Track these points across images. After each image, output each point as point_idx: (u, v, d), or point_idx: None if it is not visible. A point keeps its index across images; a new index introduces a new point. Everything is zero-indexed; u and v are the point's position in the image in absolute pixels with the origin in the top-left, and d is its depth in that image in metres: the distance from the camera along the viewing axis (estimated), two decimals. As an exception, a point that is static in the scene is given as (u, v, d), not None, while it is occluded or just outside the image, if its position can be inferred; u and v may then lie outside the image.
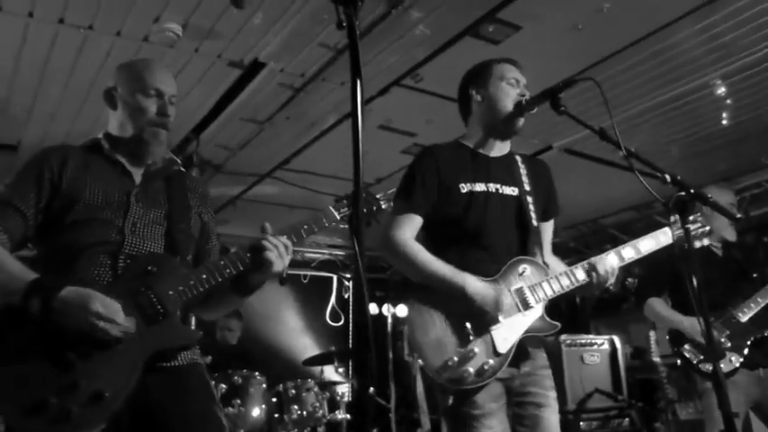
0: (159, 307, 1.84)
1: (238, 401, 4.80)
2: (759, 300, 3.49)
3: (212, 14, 3.59)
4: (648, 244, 2.43)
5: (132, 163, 2.08)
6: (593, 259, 2.35)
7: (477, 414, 2.16)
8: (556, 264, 2.49)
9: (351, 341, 8.63)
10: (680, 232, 2.16)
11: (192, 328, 1.96)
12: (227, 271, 1.93)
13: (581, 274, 2.31)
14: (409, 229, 2.38)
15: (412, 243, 2.34)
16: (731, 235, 3.70)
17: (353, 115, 1.30)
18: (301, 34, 3.80)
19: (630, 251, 2.40)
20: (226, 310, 2.24)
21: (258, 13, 3.60)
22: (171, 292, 1.86)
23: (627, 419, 5.13)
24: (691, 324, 3.48)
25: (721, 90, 4.64)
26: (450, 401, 2.22)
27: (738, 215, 2.28)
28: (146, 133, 2.05)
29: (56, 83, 4.23)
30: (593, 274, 2.31)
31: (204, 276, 1.90)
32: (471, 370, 2.15)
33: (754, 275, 3.65)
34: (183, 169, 2.21)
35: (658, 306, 3.69)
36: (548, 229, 2.58)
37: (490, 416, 2.16)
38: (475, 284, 2.22)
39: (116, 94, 2.10)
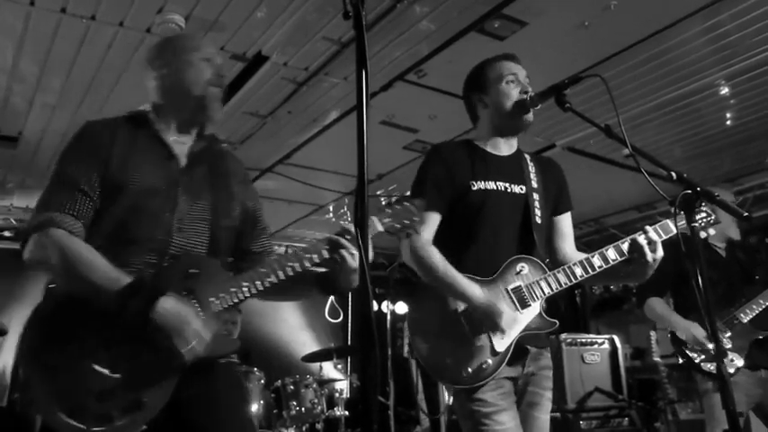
0: (201, 314, 1.77)
1: (237, 396, 4.78)
2: (761, 301, 3.49)
3: (216, 6, 3.56)
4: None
5: (181, 139, 2.02)
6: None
7: (488, 411, 2.16)
8: (580, 257, 2.45)
9: (350, 338, 8.62)
10: (685, 230, 2.14)
11: (230, 337, 1.92)
12: (269, 280, 1.85)
13: (578, 270, 2.30)
14: (429, 229, 2.38)
15: (429, 246, 2.34)
16: (736, 234, 3.69)
17: (359, 106, 1.28)
18: (305, 27, 3.78)
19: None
20: (302, 299, 2.19)
21: (262, 6, 3.58)
22: (212, 299, 1.80)
23: (627, 419, 5.11)
24: (686, 328, 3.49)
25: (725, 90, 4.61)
26: (461, 401, 2.23)
27: (745, 213, 2.25)
28: (208, 92, 2.00)
29: (57, 74, 4.21)
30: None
31: (245, 286, 1.83)
32: (470, 370, 2.18)
33: (757, 277, 3.65)
34: (225, 147, 2.14)
35: (658, 306, 3.70)
36: (565, 222, 2.58)
37: (501, 412, 2.17)
38: (479, 298, 2.22)
39: (163, 60, 2.05)
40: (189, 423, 1.79)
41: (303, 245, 1.93)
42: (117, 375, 1.67)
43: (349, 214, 7.02)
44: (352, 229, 1.89)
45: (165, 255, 1.84)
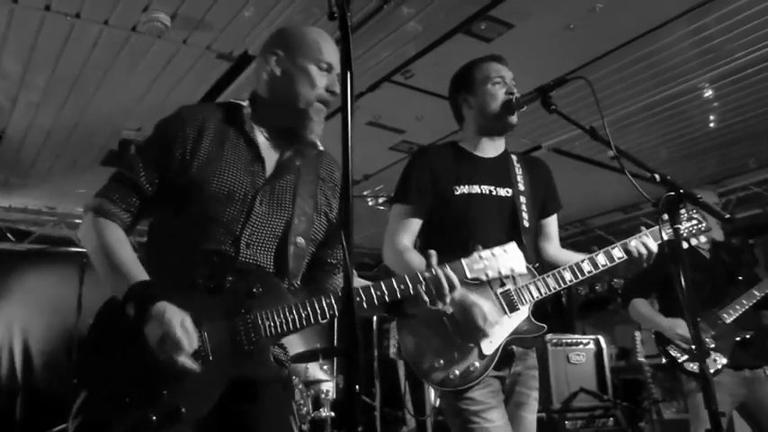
0: (253, 336, 1.69)
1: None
2: (744, 302, 3.53)
3: (202, 5, 3.55)
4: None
5: (272, 143, 1.89)
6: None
7: (477, 410, 2.17)
8: (568, 256, 2.47)
9: (336, 339, 8.60)
10: (670, 232, 2.15)
11: (278, 365, 1.81)
12: (331, 312, 1.73)
13: (568, 275, 2.31)
14: (408, 234, 2.39)
15: (410, 251, 2.35)
16: (719, 235, 3.73)
17: (344, 108, 1.28)
18: (292, 27, 3.77)
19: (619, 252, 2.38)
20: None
21: (249, 6, 3.57)
22: (268, 323, 1.71)
23: (611, 419, 5.14)
24: (669, 326, 3.53)
25: (709, 93, 4.67)
26: (448, 400, 2.23)
27: (727, 215, 2.26)
28: (312, 109, 1.87)
29: (42, 71, 4.17)
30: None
31: (305, 314, 1.73)
32: (457, 372, 2.18)
33: (740, 278, 3.69)
34: (321, 149, 1.98)
35: (642, 307, 3.74)
36: (551, 224, 2.58)
37: (491, 410, 2.18)
38: (461, 298, 2.20)
39: (279, 56, 1.89)
40: None
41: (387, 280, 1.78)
42: (161, 380, 1.63)
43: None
44: (433, 254, 1.82)
45: (230, 269, 1.75)
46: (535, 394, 2.39)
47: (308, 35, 1.91)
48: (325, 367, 6.02)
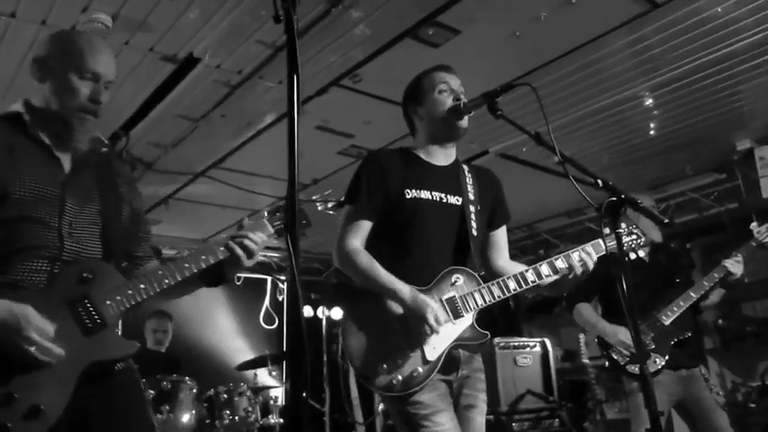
0: (97, 318, 1.75)
1: (167, 407, 4.65)
2: (681, 303, 3.64)
3: (144, 6, 3.47)
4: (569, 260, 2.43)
5: (57, 144, 1.91)
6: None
7: (426, 413, 2.17)
8: (517, 268, 2.49)
9: (285, 344, 8.52)
10: (612, 240, 2.21)
11: (132, 340, 1.87)
12: (166, 281, 1.85)
13: (512, 284, 2.34)
14: (359, 236, 2.39)
15: (361, 252, 2.36)
16: (658, 237, 3.83)
17: (290, 112, 1.27)
18: (238, 30, 3.72)
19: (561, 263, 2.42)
20: (182, 296, 2.17)
21: (194, 7, 3.50)
22: (108, 302, 1.78)
23: (557, 420, 5.24)
24: (613, 332, 3.63)
25: (649, 101, 4.81)
26: (396, 406, 2.23)
27: (666, 219, 2.33)
28: (74, 117, 1.88)
29: (-26, 72, 4.01)
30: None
31: (142, 287, 1.83)
32: (400, 377, 2.19)
33: (677, 280, 3.81)
34: (107, 148, 2.05)
35: (586, 312, 3.84)
36: (500, 235, 2.62)
37: (439, 413, 2.18)
38: (407, 293, 2.24)
39: (46, 66, 1.90)
40: (93, 430, 1.76)
41: (196, 246, 1.95)
42: (9, 381, 1.62)
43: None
44: (245, 222, 1.99)
45: (57, 261, 1.79)
46: (483, 396, 2.41)
47: (75, 43, 1.92)
48: (273, 373, 5.95)
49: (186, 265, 1.89)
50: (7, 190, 1.76)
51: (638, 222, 2.66)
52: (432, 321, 2.18)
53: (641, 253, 3.83)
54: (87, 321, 1.75)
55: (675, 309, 3.63)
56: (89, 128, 1.93)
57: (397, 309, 2.27)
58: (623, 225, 2.46)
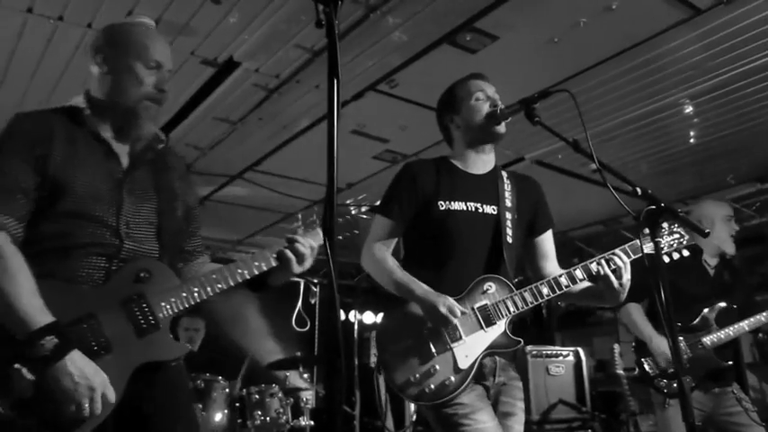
0: (152, 318, 1.76)
1: (200, 406, 4.72)
2: (730, 332, 3.50)
3: (187, 10, 3.53)
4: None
5: (117, 138, 1.92)
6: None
7: (467, 412, 2.18)
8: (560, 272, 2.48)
9: (317, 347, 8.56)
10: (650, 246, 2.17)
11: (182, 343, 1.89)
12: (219, 286, 1.87)
13: (545, 289, 2.32)
14: (387, 243, 2.44)
15: (388, 259, 2.39)
16: (731, 248, 3.69)
17: (329, 115, 1.28)
18: (278, 35, 3.76)
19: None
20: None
21: (234, 12, 3.56)
22: (163, 304, 1.79)
23: (590, 431, 5.17)
24: (658, 343, 3.50)
25: (690, 109, 4.72)
26: (434, 410, 2.23)
27: (707, 230, 2.26)
28: (140, 106, 1.90)
29: (22, 74, 4.12)
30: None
31: (196, 291, 1.84)
32: (432, 386, 2.20)
33: (734, 306, 3.61)
34: (163, 143, 2.05)
35: (635, 313, 3.66)
36: (546, 242, 2.59)
37: (479, 411, 2.19)
38: (428, 294, 2.25)
39: (110, 57, 1.91)
40: (141, 428, 1.78)
41: (250, 253, 1.96)
42: None
43: (318, 223, 6.98)
44: (299, 230, 2.01)
45: (115, 259, 1.80)
46: (521, 404, 2.41)
47: (133, 33, 1.96)
48: (305, 375, 5.98)
49: (239, 271, 1.90)
50: (67, 185, 1.77)
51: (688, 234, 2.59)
52: (443, 310, 2.19)
53: (708, 266, 3.71)
54: (142, 322, 1.75)
55: (723, 336, 3.49)
56: (154, 117, 1.96)
57: (426, 319, 2.28)
58: (665, 224, 2.40)
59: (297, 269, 1.97)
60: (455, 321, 2.21)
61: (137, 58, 1.90)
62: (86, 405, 1.60)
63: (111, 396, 1.65)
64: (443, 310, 2.19)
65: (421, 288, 2.26)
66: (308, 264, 1.99)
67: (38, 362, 1.56)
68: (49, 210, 1.76)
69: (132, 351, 1.72)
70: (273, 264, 1.95)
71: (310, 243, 1.99)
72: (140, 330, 1.75)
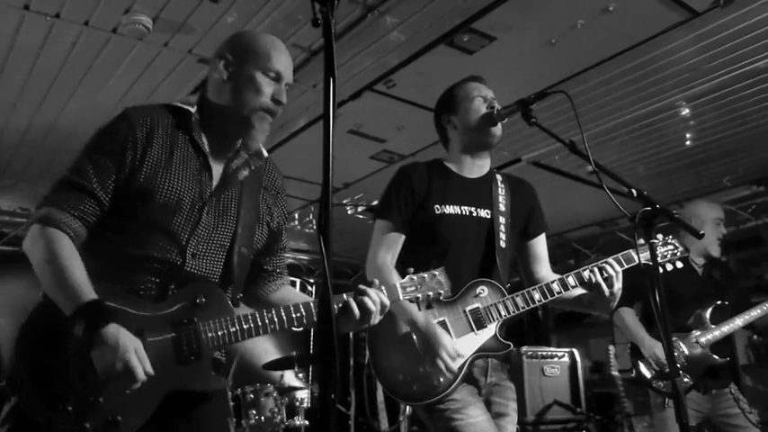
0: (195, 347, 1.69)
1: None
2: (724, 329, 3.52)
3: (185, 9, 3.53)
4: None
5: (217, 152, 1.87)
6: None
7: (459, 407, 2.20)
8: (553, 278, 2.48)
9: (312, 347, 8.55)
10: (647, 253, 2.18)
11: (220, 377, 1.79)
12: (272, 327, 1.77)
13: (537, 295, 2.33)
14: (391, 250, 2.43)
15: (387, 268, 2.39)
16: (716, 251, 3.72)
17: (325, 114, 1.27)
18: (275, 34, 3.69)
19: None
20: None
21: (232, 11, 3.55)
22: (211, 335, 1.71)
23: (584, 432, 5.18)
24: (650, 345, 3.53)
25: (686, 111, 4.73)
26: (426, 410, 2.25)
27: (702, 232, 2.27)
28: (255, 116, 1.85)
29: (19, 70, 4.11)
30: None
31: (247, 328, 1.75)
32: (422, 387, 2.22)
33: (726, 303, 3.64)
34: (263, 161, 1.98)
35: (628, 317, 3.70)
36: (539, 246, 2.61)
37: (471, 406, 2.21)
38: (421, 323, 2.24)
39: (232, 64, 1.86)
40: None
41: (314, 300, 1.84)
42: (98, 390, 1.61)
43: (314, 222, 6.99)
44: (370, 290, 1.83)
45: (175, 277, 1.75)
46: (513, 405, 2.42)
47: (259, 42, 1.91)
48: (300, 375, 5.98)
49: (297, 316, 1.79)
50: (152, 191, 1.73)
51: (679, 237, 2.60)
52: (443, 354, 2.18)
53: (696, 266, 3.73)
54: (185, 349, 1.69)
55: (717, 333, 3.51)
56: (267, 129, 1.91)
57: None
58: (659, 236, 2.42)
59: (358, 325, 1.82)
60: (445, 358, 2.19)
61: (258, 67, 1.85)
62: (122, 366, 1.56)
63: (148, 368, 1.60)
64: (443, 354, 2.18)
65: (422, 319, 2.24)
66: (374, 320, 1.83)
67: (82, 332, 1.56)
68: (130, 212, 1.74)
69: (167, 376, 1.67)
70: (336, 311, 1.78)
71: (382, 299, 1.84)
72: (181, 357, 1.69)
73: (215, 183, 1.86)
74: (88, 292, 1.61)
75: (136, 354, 1.58)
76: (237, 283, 1.90)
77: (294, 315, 1.79)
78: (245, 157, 1.92)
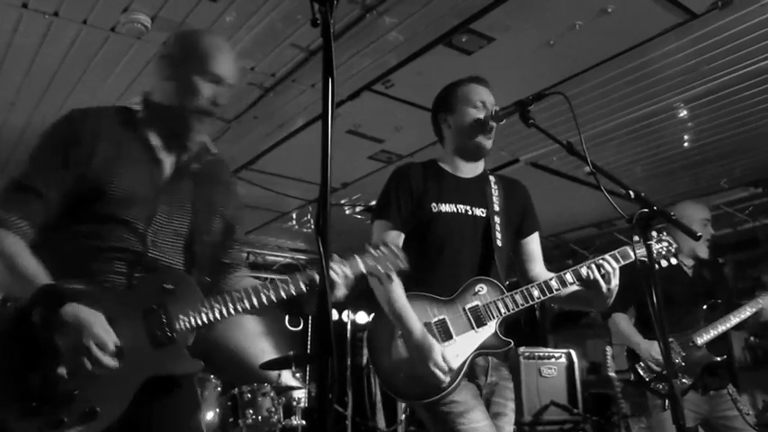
0: (168, 331, 1.73)
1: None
2: (719, 327, 3.53)
3: (183, 8, 3.52)
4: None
5: (165, 146, 1.92)
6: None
7: (462, 410, 2.19)
8: (548, 276, 2.49)
9: (310, 346, 8.56)
10: (643, 250, 2.18)
11: (196, 359, 1.83)
12: (243, 305, 1.82)
13: (536, 292, 2.33)
14: None
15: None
16: (704, 253, 3.74)
17: (324, 114, 1.28)
18: (274, 33, 3.76)
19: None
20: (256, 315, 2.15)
21: (231, 10, 3.55)
22: (182, 318, 1.76)
23: (581, 433, 5.18)
24: (646, 348, 3.54)
25: (684, 113, 4.74)
26: (429, 408, 2.24)
27: (699, 233, 2.28)
28: (192, 117, 1.89)
29: (17, 68, 4.10)
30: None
31: (217, 308, 1.80)
32: (422, 385, 2.21)
33: (719, 301, 3.66)
34: (213, 156, 2.02)
35: (623, 322, 3.72)
36: (532, 245, 2.61)
37: (473, 410, 2.20)
38: (417, 336, 2.23)
39: (172, 65, 1.91)
40: None
41: (282, 276, 1.88)
42: (72, 381, 1.61)
43: (312, 222, 6.99)
44: (332, 263, 1.86)
45: (138, 266, 1.78)
46: (512, 405, 2.42)
47: (200, 44, 1.93)
48: (297, 375, 5.97)
49: (265, 293, 1.85)
50: (104, 186, 1.77)
51: (676, 236, 2.61)
52: (434, 369, 2.18)
53: (685, 267, 3.74)
54: (158, 333, 1.72)
55: (712, 331, 3.52)
56: (204, 130, 1.94)
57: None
58: (653, 233, 2.43)
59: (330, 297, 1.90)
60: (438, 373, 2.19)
61: (196, 70, 1.88)
62: (89, 343, 1.57)
63: (116, 340, 1.62)
64: (434, 368, 2.18)
65: (418, 330, 2.23)
66: (339, 293, 1.88)
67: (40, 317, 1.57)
68: (84, 209, 1.77)
69: (144, 361, 1.69)
70: (303, 289, 1.87)
71: (345, 271, 1.90)
72: (155, 342, 1.72)
73: (166, 176, 1.90)
74: (42, 279, 1.63)
75: (101, 327, 1.60)
76: (201, 268, 1.95)
77: (263, 292, 1.84)
78: (195, 152, 1.97)
